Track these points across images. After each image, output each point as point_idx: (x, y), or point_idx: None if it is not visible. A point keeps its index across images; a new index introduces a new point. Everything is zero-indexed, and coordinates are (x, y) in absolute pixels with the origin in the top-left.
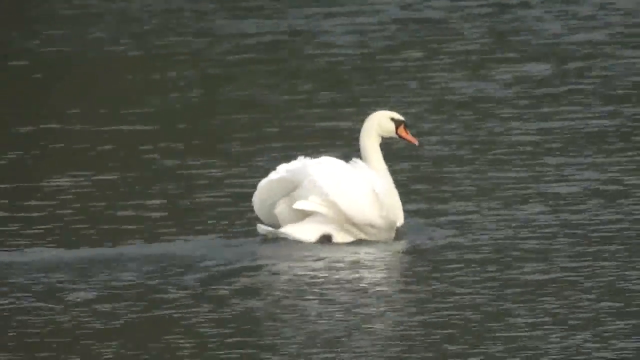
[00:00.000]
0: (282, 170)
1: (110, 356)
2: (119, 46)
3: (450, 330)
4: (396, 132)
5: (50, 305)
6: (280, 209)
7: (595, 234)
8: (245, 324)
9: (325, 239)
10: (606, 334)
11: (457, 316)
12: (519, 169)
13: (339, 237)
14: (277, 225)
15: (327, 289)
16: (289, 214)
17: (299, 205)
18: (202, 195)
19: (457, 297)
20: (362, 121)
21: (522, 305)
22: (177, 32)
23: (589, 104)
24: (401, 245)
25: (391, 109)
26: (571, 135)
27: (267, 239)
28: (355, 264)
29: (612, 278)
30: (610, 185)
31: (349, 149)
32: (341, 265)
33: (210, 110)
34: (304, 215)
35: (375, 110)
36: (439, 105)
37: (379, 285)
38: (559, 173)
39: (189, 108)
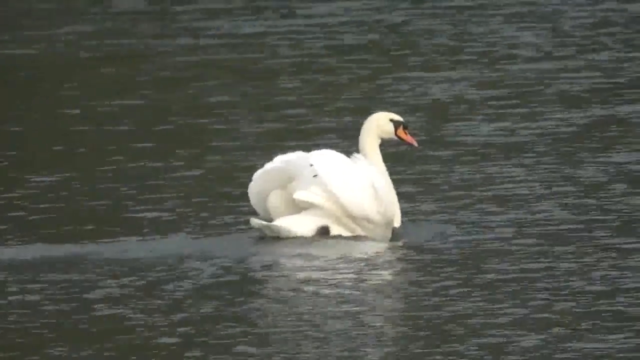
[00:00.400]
0: (279, 160)
1: (92, 353)
2: (74, 47)
3: (409, 329)
4: (395, 134)
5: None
6: (273, 200)
7: (555, 234)
8: (234, 320)
9: (323, 232)
10: (569, 334)
11: (416, 316)
12: (479, 169)
13: (335, 230)
14: (270, 218)
15: (316, 285)
16: (283, 206)
17: (300, 195)
18: (171, 195)
19: (417, 297)
20: (331, 122)
21: (485, 304)
22: (136, 33)
23: (548, 106)
24: (383, 244)
25: (382, 109)
26: (533, 137)
27: (253, 235)
28: (348, 261)
29: (576, 279)
30: (570, 184)
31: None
32: (333, 261)
33: (171, 112)
34: (298, 207)
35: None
36: (405, 107)
37: (366, 282)
38: (520, 174)
39: (148, 110)
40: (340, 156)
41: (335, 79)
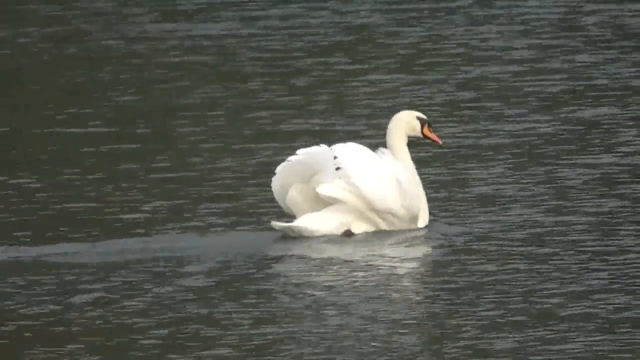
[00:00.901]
0: (303, 153)
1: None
2: (47, 49)
3: (413, 336)
4: (421, 131)
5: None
6: (293, 195)
7: (539, 236)
8: (242, 319)
9: (347, 234)
10: (556, 335)
11: (420, 319)
12: (459, 171)
13: (359, 228)
14: (292, 214)
15: (321, 289)
16: (303, 200)
17: (323, 189)
18: (151, 197)
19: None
20: (305, 124)
21: (467, 308)
22: (108, 34)
23: (527, 108)
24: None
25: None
26: (507, 139)
27: (243, 235)
28: (367, 265)
29: (562, 280)
30: (550, 187)
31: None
32: (352, 264)
33: (144, 114)
34: (319, 201)
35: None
36: (378, 109)
37: (384, 285)
38: (496, 175)
39: (127, 111)
40: (365, 149)
41: (306, 81)
